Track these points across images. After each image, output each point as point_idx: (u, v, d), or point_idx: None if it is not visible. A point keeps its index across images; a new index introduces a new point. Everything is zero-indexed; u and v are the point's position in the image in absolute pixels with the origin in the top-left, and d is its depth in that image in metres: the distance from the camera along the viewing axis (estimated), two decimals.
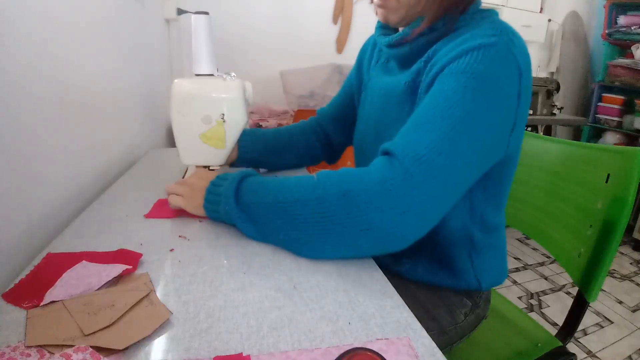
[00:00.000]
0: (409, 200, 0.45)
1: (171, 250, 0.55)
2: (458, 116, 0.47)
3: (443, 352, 0.39)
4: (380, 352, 0.38)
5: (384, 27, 0.68)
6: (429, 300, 0.66)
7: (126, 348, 0.37)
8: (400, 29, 0.63)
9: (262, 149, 0.84)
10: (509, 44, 0.50)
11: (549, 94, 2.25)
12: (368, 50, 0.79)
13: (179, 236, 0.60)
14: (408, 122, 0.52)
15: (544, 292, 1.75)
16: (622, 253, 2.15)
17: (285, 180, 0.55)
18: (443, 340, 0.65)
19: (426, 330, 0.41)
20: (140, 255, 0.53)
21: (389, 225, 0.46)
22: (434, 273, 0.66)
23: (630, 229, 2.16)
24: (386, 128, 0.66)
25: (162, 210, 0.67)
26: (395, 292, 0.48)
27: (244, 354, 0.37)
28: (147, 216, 0.65)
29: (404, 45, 0.61)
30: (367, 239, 0.48)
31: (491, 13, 0.58)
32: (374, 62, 0.76)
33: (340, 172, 0.50)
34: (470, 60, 0.49)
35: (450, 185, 0.49)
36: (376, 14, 0.65)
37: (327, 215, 0.48)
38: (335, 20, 2.35)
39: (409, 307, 0.45)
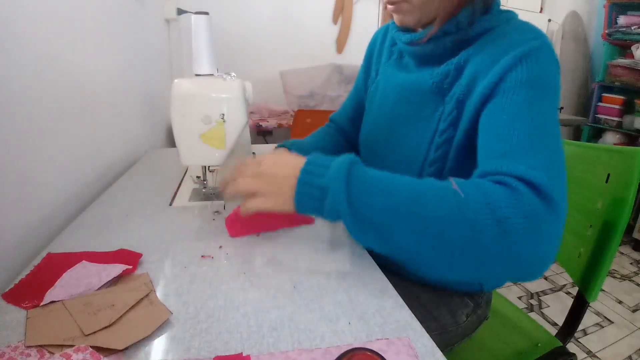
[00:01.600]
0: (555, 231, 0.43)
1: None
2: (555, 133, 0.48)
3: (444, 352, 0.39)
4: (380, 352, 0.38)
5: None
6: (431, 301, 0.66)
7: (126, 348, 0.37)
8: (420, 29, 0.61)
9: (307, 146, 0.78)
10: (550, 46, 0.51)
11: None
12: (377, 45, 0.78)
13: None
14: (501, 138, 0.48)
15: (544, 292, 1.75)
16: (622, 253, 2.15)
17: (415, 185, 0.45)
18: (444, 340, 0.65)
19: (428, 330, 0.41)
20: (140, 255, 0.53)
21: (539, 256, 0.42)
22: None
23: (630, 229, 2.16)
24: (403, 126, 0.65)
25: (242, 222, 0.60)
26: (395, 292, 0.48)
27: (244, 354, 0.37)
28: (233, 235, 0.59)
29: (426, 43, 0.60)
30: (510, 268, 0.43)
31: (513, 15, 0.58)
32: (385, 57, 0.74)
33: (486, 191, 0.43)
34: (528, 67, 0.49)
35: None
36: (388, 17, 0.64)
37: (477, 241, 0.41)
38: (335, 20, 2.35)
39: (410, 307, 0.45)
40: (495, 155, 0.48)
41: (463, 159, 0.58)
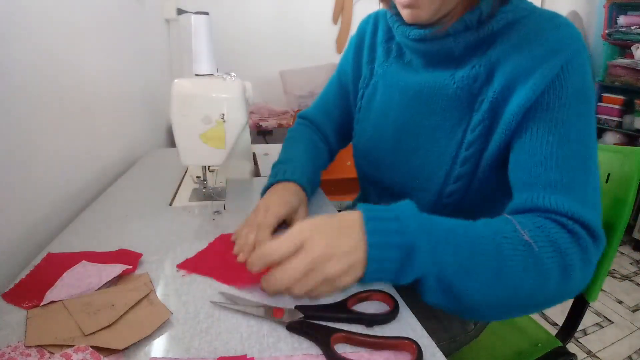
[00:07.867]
0: (596, 261, 0.45)
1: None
2: (596, 155, 0.48)
3: (448, 356, 0.39)
4: (383, 356, 0.38)
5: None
6: (443, 312, 0.64)
7: (126, 348, 0.37)
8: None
9: (314, 174, 0.69)
10: (584, 45, 0.49)
11: None
12: (367, 39, 0.70)
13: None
14: (549, 165, 0.46)
15: None
16: (622, 253, 2.15)
17: (491, 238, 0.42)
18: (452, 348, 0.64)
19: (437, 341, 0.40)
20: (140, 255, 0.53)
21: (581, 288, 0.45)
22: None
23: (630, 229, 2.16)
24: (414, 136, 0.59)
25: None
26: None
27: (247, 356, 0.37)
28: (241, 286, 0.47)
29: (441, 40, 0.53)
30: (555, 301, 0.45)
31: (532, 5, 0.52)
32: (382, 54, 0.66)
33: (552, 238, 0.42)
34: (572, 78, 0.47)
35: None
36: (389, 12, 0.58)
37: (545, 289, 0.42)
38: (335, 20, 2.35)
39: (422, 319, 0.44)
40: (544, 185, 0.46)
41: (493, 174, 0.53)
